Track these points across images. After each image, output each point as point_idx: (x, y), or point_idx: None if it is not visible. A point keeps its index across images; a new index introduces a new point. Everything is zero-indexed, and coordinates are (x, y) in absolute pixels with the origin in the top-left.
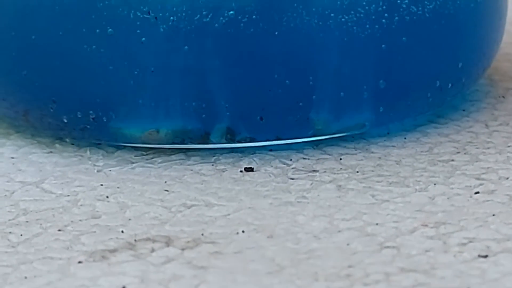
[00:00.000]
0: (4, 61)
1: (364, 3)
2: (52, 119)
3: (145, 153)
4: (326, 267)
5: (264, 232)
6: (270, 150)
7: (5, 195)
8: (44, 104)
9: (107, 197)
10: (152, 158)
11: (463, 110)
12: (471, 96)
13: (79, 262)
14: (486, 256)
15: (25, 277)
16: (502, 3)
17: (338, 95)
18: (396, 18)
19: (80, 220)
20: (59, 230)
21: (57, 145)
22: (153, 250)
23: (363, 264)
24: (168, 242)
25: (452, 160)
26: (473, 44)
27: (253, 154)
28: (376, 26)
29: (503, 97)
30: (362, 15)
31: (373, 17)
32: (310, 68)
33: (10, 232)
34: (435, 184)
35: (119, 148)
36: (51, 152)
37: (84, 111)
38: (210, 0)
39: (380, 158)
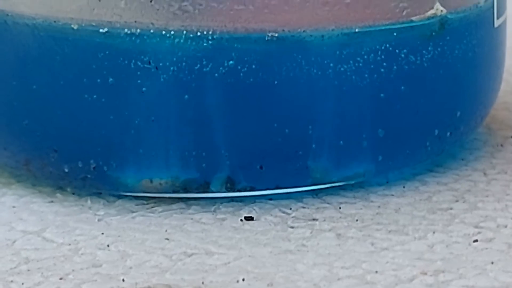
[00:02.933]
0: (5, 110)
1: (363, 52)
2: (53, 169)
3: (145, 202)
4: None
5: (264, 280)
6: (270, 199)
7: (7, 244)
8: (45, 153)
9: (108, 245)
10: (152, 207)
11: (462, 159)
12: (469, 145)
13: None
14: None
15: None
16: (500, 52)
17: (338, 143)
18: (395, 67)
19: (81, 269)
20: (60, 279)
21: (58, 195)
22: None
23: None
24: None
25: (451, 209)
26: (471, 93)
27: (253, 203)
28: (375, 75)
29: (501, 145)
30: (361, 64)
31: (372, 66)
32: (309, 117)
33: (11, 281)
34: (434, 232)
35: (120, 197)
36: (52, 201)
37: (84, 160)
38: (210, 50)
39: (379, 206)
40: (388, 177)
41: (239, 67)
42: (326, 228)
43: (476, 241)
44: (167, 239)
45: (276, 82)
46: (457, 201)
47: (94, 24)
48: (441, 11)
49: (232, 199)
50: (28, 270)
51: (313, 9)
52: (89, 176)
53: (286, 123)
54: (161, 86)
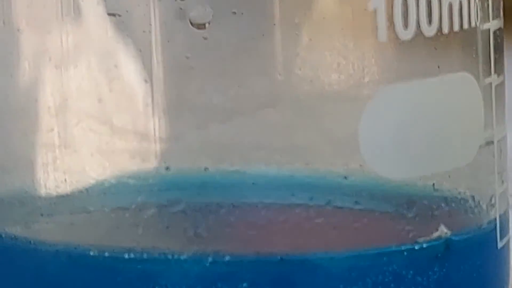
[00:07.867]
0: None
1: (371, 274)
2: None
3: None
4: None
5: None
6: None
7: None
8: None
9: None
10: None
11: None
12: None
13: None
14: None
15: None
16: (504, 272)
17: None
18: None
19: None
20: None
21: None
22: None
23: None
24: None
25: None
26: None
27: None
28: None
29: None
30: (369, 285)
31: (380, 287)
32: None
33: None
34: None
35: None
36: None
37: None
38: (224, 273)
39: None
40: None
41: None
42: None
43: None
44: None
45: None
46: None
47: (112, 250)
48: (446, 233)
49: None
50: None
51: (323, 233)
52: None
53: None
54: None
